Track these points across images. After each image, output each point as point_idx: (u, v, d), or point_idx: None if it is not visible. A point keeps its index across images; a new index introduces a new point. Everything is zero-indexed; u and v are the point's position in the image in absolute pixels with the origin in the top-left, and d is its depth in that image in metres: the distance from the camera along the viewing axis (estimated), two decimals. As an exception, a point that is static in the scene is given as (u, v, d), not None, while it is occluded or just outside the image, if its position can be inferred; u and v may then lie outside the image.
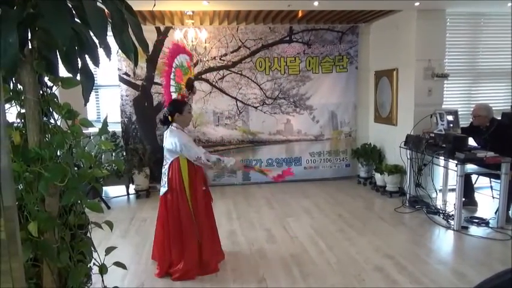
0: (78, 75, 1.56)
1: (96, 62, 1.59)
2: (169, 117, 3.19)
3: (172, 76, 3.36)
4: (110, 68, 5.54)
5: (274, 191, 5.81)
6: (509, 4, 4.81)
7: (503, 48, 5.59)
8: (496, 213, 4.28)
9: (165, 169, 3.27)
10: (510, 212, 4.31)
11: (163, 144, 3.28)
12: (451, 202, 4.68)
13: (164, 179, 3.25)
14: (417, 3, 4.68)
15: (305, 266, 3.33)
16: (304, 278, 3.14)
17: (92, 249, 1.82)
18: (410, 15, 5.14)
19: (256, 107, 6.17)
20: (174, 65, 3.36)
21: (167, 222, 3.23)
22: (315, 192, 5.74)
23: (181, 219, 3.20)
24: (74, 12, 1.49)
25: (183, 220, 3.20)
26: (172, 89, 3.37)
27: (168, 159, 3.24)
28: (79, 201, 1.68)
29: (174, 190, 3.20)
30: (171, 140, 3.13)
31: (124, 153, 5.77)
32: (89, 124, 1.77)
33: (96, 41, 1.47)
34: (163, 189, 3.26)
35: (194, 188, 3.21)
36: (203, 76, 5.97)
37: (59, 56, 1.53)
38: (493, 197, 4.89)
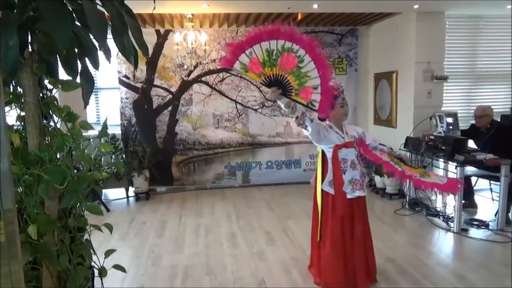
0: (78, 77, 1.56)
1: (96, 65, 1.60)
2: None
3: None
4: (110, 70, 5.54)
5: (274, 194, 5.80)
6: (509, 6, 4.82)
7: (503, 50, 5.61)
8: (495, 215, 4.27)
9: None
10: (510, 214, 4.30)
11: None
12: (450, 204, 4.67)
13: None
14: (416, 6, 4.70)
15: (305, 269, 3.32)
16: (304, 280, 3.13)
17: (92, 252, 1.81)
18: (409, 18, 5.15)
19: (255, 110, 6.17)
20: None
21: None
22: (314, 195, 5.72)
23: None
24: (74, 15, 1.49)
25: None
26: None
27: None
28: (78, 204, 1.69)
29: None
30: None
31: (124, 156, 5.76)
32: (89, 127, 1.77)
33: (96, 43, 1.48)
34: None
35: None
36: (203, 79, 5.97)
37: (59, 59, 1.54)
38: (493, 199, 4.88)
